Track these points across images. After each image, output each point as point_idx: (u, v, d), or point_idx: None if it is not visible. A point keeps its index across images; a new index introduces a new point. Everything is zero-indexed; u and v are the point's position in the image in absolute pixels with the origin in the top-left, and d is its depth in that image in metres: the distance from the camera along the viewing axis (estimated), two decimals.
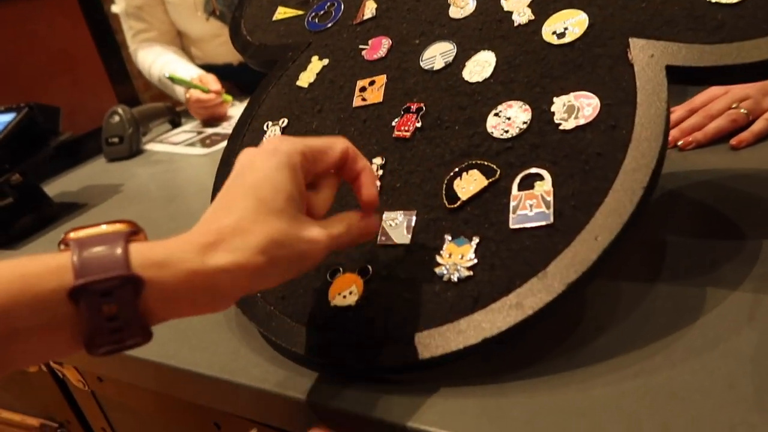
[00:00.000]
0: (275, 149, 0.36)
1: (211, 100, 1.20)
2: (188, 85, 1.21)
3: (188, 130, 1.24)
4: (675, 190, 0.55)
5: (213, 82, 1.21)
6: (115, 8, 1.40)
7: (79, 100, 1.59)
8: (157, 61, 1.35)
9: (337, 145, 0.39)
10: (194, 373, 0.47)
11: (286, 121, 0.56)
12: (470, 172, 0.44)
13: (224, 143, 1.07)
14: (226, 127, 1.18)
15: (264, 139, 0.56)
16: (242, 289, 0.33)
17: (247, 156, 0.37)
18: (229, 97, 1.22)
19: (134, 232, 0.32)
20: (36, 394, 0.77)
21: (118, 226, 0.32)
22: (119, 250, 0.29)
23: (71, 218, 0.90)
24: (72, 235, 0.31)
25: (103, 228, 0.32)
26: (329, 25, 0.60)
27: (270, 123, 0.56)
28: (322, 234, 0.36)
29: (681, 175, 0.57)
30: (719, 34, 0.40)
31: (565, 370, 0.37)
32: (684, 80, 0.41)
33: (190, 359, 0.48)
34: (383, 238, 0.44)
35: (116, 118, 1.15)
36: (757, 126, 0.59)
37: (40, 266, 0.29)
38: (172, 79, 1.24)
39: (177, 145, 1.15)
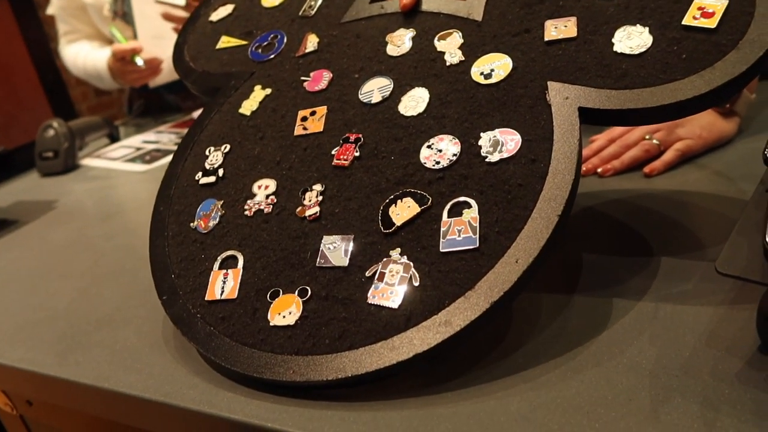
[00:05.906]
0: None
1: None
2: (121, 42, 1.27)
3: (127, 145, 1.21)
4: (594, 212, 0.60)
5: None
6: (50, 9, 1.44)
7: (13, 113, 1.54)
8: (82, 51, 1.40)
9: None
10: (129, 395, 0.47)
11: (228, 146, 0.57)
12: (404, 199, 0.47)
13: (165, 160, 1.06)
14: (167, 144, 1.17)
15: (206, 163, 0.57)
16: None
17: None
18: (139, 61, 1.27)
19: None
20: None
21: None
22: None
23: (1, 236, 0.87)
24: None
25: None
26: (272, 56, 0.62)
27: (212, 148, 0.58)
28: None
29: (600, 199, 0.62)
30: (624, 81, 0.45)
31: (486, 383, 0.40)
32: (594, 121, 0.45)
33: (125, 381, 0.48)
34: (322, 261, 0.46)
35: (51, 132, 1.12)
36: (668, 156, 0.65)
37: None
38: (113, 34, 1.29)
39: (115, 161, 1.12)
